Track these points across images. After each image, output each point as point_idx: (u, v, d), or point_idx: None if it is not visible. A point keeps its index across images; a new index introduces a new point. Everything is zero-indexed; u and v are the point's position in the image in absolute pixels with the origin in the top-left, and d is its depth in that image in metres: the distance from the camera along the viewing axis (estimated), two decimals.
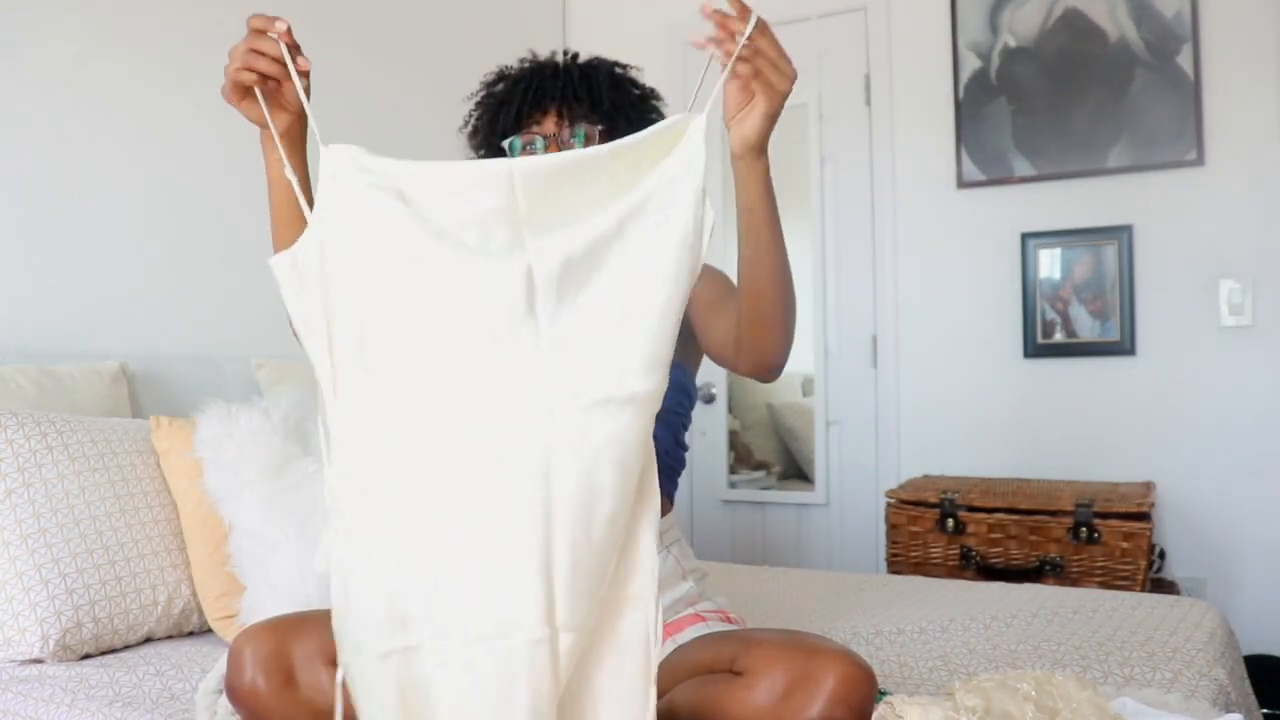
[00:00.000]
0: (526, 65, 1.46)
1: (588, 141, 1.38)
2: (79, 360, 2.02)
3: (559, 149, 1.35)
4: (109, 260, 2.20)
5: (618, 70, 1.47)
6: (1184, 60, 2.76)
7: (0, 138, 2.02)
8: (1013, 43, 2.98)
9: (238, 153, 2.48)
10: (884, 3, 3.17)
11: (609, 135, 1.36)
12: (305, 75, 1.01)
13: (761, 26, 1.00)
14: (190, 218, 2.37)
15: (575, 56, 1.47)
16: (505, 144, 1.41)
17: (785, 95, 1.07)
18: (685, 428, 1.47)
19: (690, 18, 3.86)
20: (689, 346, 1.38)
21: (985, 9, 3.00)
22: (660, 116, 1.44)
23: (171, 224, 2.33)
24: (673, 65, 3.49)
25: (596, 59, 1.47)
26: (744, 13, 0.99)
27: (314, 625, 1.15)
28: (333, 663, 1.10)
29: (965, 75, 3.03)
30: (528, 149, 1.39)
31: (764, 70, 1.03)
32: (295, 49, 1.00)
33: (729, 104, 1.06)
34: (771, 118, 1.08)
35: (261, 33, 1.00)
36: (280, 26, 0.99)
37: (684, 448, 1.47)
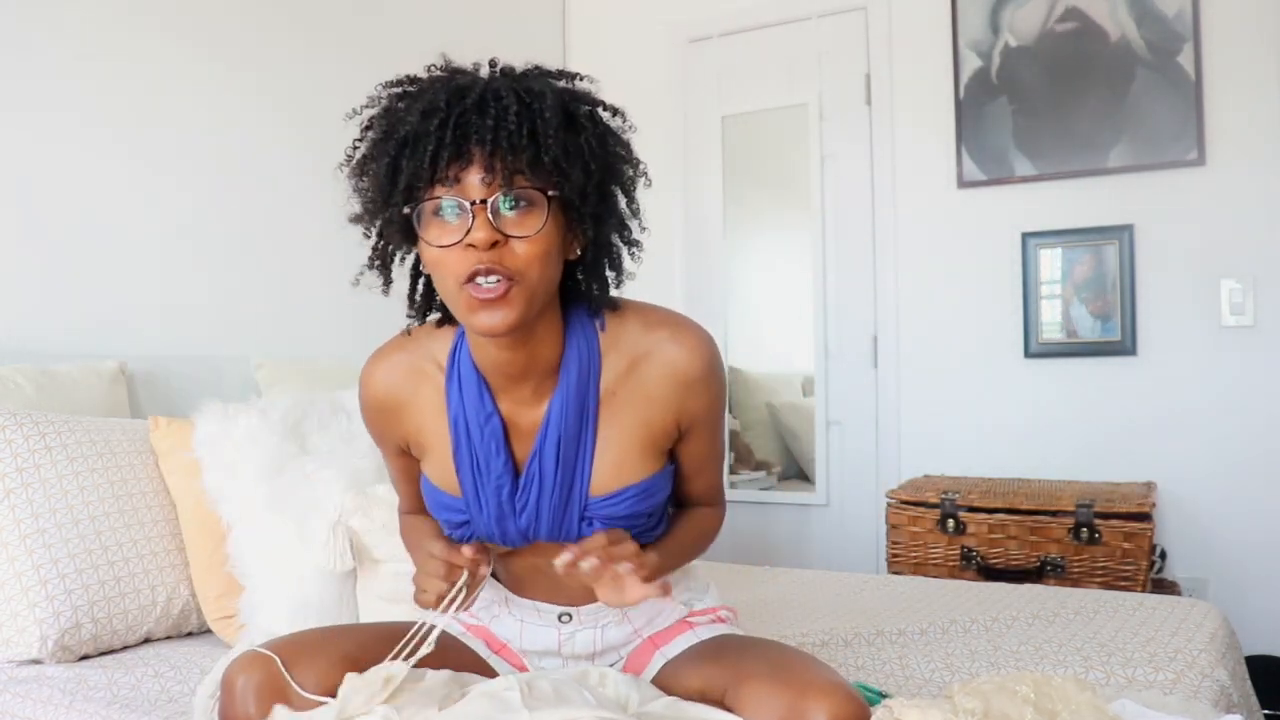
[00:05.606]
0: (438, 83, 1.04)
1: (531, 211, 1.00)
2: (78, 360, 2.02)
3: (488, 223, 0.99)
4: (108, 260, 2.20)
5: (567, 95, 1.05)
6: (1185, 60, 2.76)
7: (0, 137, 2.02)
8: (1013, 42, 2.97)
9: (239, 153, 2.48)
10: (884, 3, 3.16)
11: (560, 201, 1.03)
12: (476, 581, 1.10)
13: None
14: (190, 218, 2.37)
15: (503, 71, 1.07)
16: (409, 210, 1.02)
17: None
18: (664, 516, 1.25)
19: (690, 17, 3.85)
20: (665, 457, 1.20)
21: (986, 8, 3.00)
22: (625, 164, 1.09)
23: (171, 224, 2.33)
24: (673, 64, 3.49)
25: (537, 74, 1.07)
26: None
27: (310, 653, 1.12)
28: (330, 693, 1.09)
29: (966, 75, 3.03)
30: (438, 218, 1.01)
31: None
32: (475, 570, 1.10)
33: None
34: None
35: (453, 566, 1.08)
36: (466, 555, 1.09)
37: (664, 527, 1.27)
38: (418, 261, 1.13)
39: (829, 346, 3.29)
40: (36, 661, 1.59)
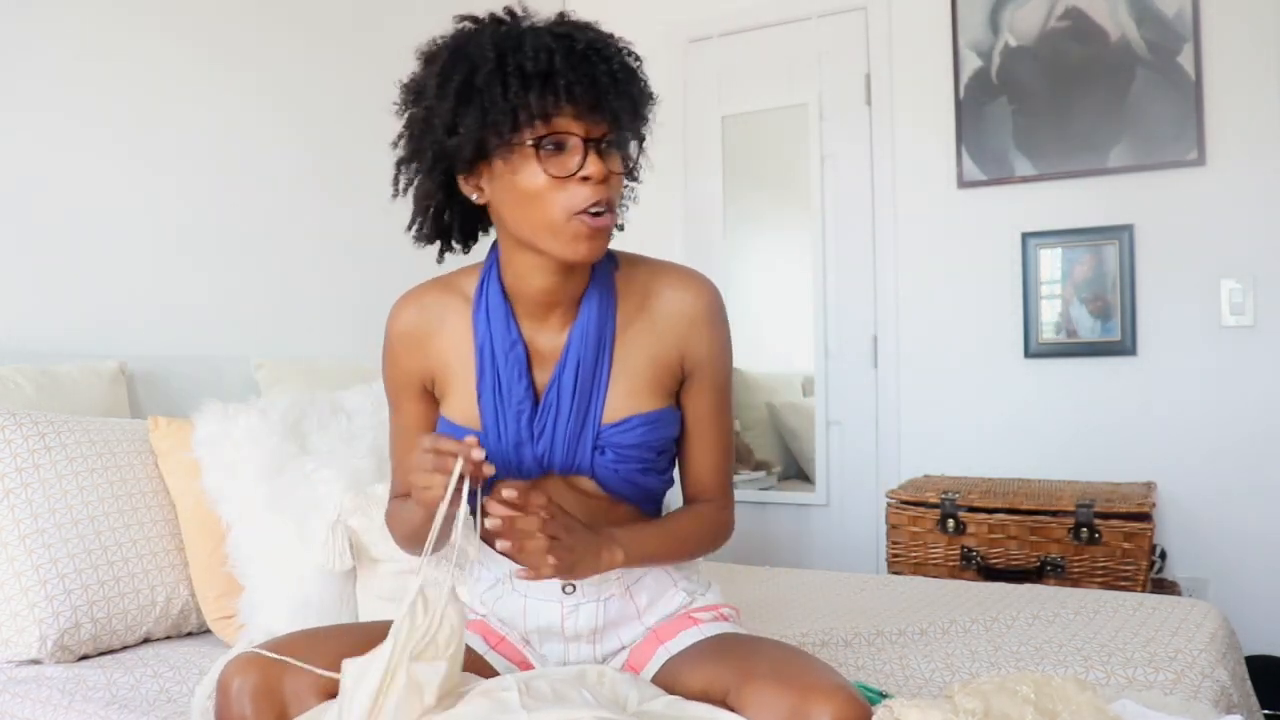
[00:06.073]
0: (530, 28, 1.12)
1: (623, 151, 1.13)
2: (78, 360, 2.02)
3: (601, 164, 1.09)
4: (108, 260, 2.20)
5: (637, 58, 1.17)
6: (1185, 60, 2.76)
7: (0, 137, 2.02)
8: (1013, 42, 2.97)
9: (239, 154, 2.48)
10: (884, 3, 3.16)
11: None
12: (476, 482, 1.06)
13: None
14: (190, 218, 2.37)
15: (569, 26, 1.14)
16: (534, 143, 1.08)
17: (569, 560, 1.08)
18: (674, 460, 1.35)
19: (690, 17, 3.85)
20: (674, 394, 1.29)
21: (986, 8, 3.00)
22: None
23: (171, 224, 2.33)
24: (673, 65, 3.49)
25: (608, 37, 1.14)
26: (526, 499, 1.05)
27: (306, 654, 1.12)
28: (327, 695, 1.09)
29: (966, 75, 3.03)
30: (554, 152, 1.09)
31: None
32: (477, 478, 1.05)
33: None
34: (566, 570, 1.09)
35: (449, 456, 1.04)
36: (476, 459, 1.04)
37: (671, 482, 1.36)
38: (442, 200, 1.19)
39: (829, 346, 3.29)
40: (36, 661, 1.59)
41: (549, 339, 1.22)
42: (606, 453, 1.22)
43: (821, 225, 3.29)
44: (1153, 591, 2.42)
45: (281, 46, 2.61)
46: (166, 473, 1.82)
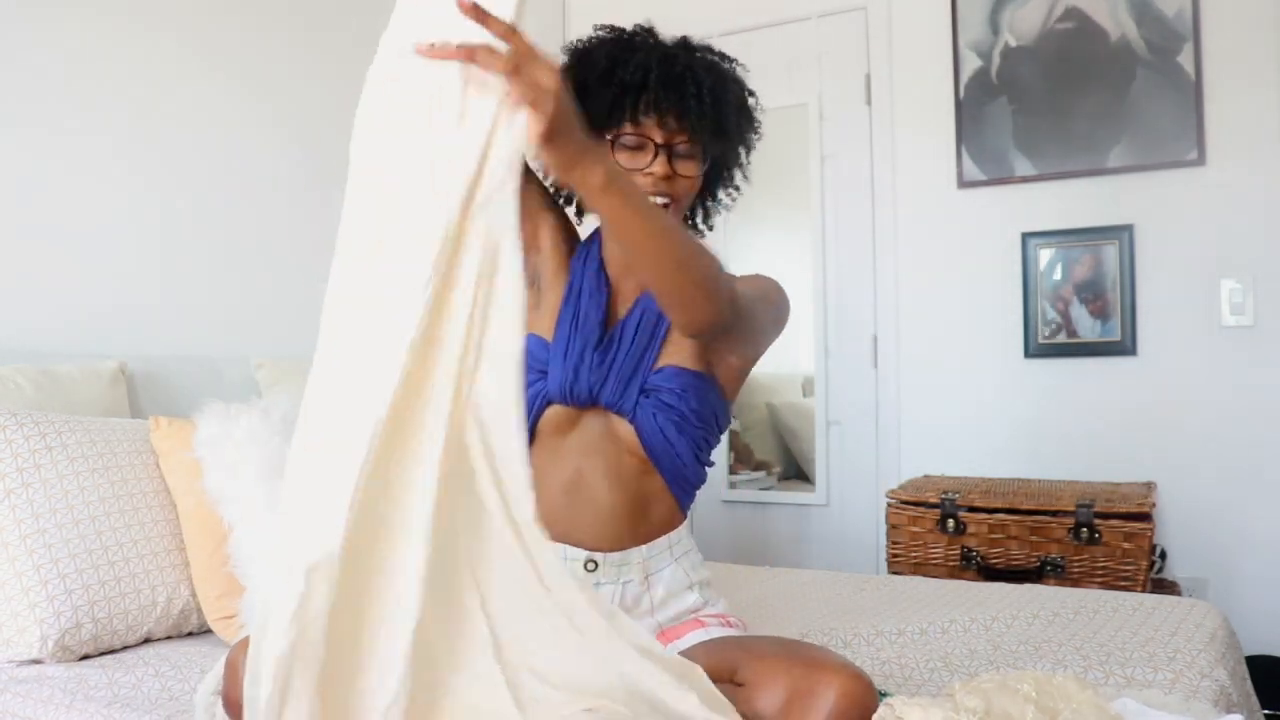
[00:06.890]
0: (649, 44, 1.35)
1: (694, 159, 1.32)
2: (78, 360, 2.02)
3: (667, 166, 1.30)
4: (108, 260, 2.20)
5: (737, 85, 1.38)
6: (1185, 60, 2.76)
7: (0, 138, 2.02)
8: (1013, 42, 2.97)
9: (238, 153, 2.48)
10: (884, 3, 3.16)
11: (709, 170, 1.38)
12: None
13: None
14: (190, 218, 2.37)
15: (691, 46, 1.37)
16: (612, 138, 1.31)
17: (545, 107, 0.94)
18: (709, 444, 1.39)
19: (690, 16, 3.84)
20: (722, 366, 1.38)
21: (986, 8, 3.00)
22: (753, 134, 1.42)
23: (171, 224, 2.33)
24: None
25: (717, 64, 1.37)
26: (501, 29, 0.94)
27: None
28: None
29: (966, 75, 3.03)
30: (632, 151, 1.30)
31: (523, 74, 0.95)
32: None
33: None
34: (546, 136, 0.95)
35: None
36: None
37: (705, 464, 1.40)
38: None
39: (829, 346, 3.29)
40: (37, 661, 1.59)
41: (626, 293, 1.40)
42: (650, 397, 1.32)
43: (821, 225, 3.29)
44: (1153, 591, 2.42)
45: (281, 47, 2.61)
46: (167, 473, 1.82)
